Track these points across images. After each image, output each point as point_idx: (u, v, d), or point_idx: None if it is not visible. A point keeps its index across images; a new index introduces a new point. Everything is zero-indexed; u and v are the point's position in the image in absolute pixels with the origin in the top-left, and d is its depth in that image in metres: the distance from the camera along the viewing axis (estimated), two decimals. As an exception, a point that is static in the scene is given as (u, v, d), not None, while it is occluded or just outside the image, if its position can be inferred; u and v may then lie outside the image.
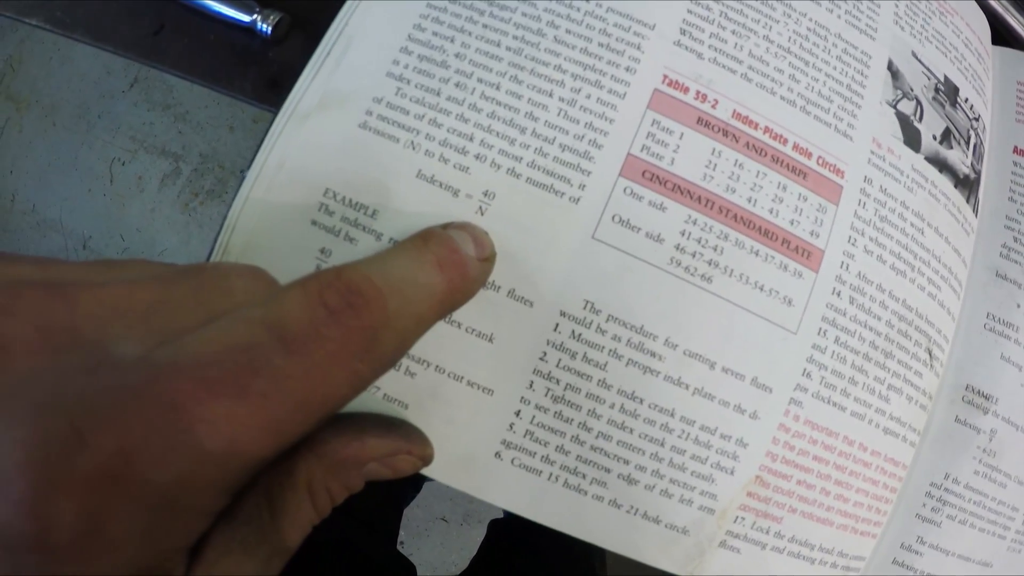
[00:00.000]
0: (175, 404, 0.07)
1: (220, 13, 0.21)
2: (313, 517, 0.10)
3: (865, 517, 0.16)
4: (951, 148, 0.18)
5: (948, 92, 0.19)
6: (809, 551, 0.16)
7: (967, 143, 0.19)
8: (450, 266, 0.11)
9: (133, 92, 0.79)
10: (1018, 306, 0.19)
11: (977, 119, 0.19)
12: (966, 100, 0.19)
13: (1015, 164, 0.20)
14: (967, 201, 0.18)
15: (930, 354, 0.17)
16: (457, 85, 0.15)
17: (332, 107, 0.16)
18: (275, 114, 0.16)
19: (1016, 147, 0.20)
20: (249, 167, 0.16)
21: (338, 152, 0.15)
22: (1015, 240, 0.19)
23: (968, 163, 0.19)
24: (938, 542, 0.18)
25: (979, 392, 0.18)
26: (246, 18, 0.20)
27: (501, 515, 0.40)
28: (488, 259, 0.12)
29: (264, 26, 0.20)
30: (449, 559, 0.69)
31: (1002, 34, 0.23)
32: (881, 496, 0.17)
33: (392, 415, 0.14)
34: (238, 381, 0.08)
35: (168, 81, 0.79)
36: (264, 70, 0.21)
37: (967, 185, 0.18)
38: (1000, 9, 0.22)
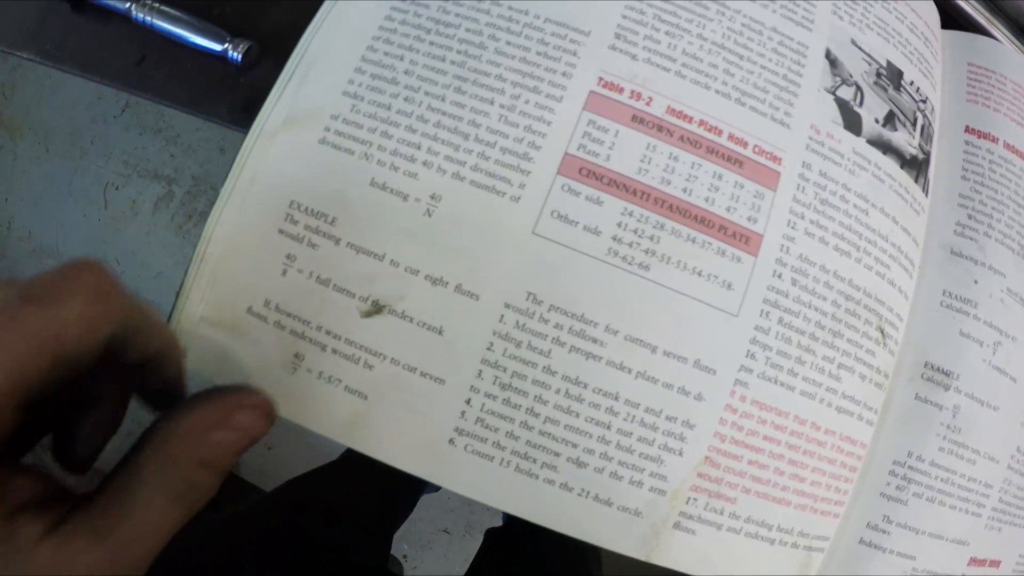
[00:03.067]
0: None
1: (195, 43, 0.23)
2: (169, 511, 0.11)
3: (824, 496, 0.18)
4: (896, 130, 0.20)
5: (891, 76, 0.20)
6: (767, 531, 0.17)
7: (914, 124, 0.20)
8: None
9: (125, 117, 0.83)
10: (975, 282, 0.20)
11: (924, 101, 0.21)
12: (911, 83, 0.21)
13: (967, 143, 0.21)
14: (915, 181, 0.20)
15: (882, 332, 0.18)
16: (406, 99, 0.17)
17: (296, 125, 0.18)
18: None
19: (968, 126, 0.22)
20: (223, 183, 0.18)
21: (301, 166, 0.17)
22: (969, 217, 0.21)
23: (915, 144, 0.20)
24: (906, 521, 0.19)
25: (939, 369, 0.19)
26: (218, 47, 0.23)
27: (499, 523, 0.41)
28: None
29: (235, 54, 0.22)
30: (452, 570, 0.70)
31: (954, 18, 0.24)
32: (840, 475, 0.18)
33: (235, 383, 0.13)
34: None
35: (158, 105, 0.84)
36: (237, 95, 0.23)
37: (915, 166, 0.20)
38: (952, -8, 0.24)
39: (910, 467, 0.19)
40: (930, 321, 0.20)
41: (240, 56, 0.22)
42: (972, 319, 0.20)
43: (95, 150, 0.84)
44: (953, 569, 0.20)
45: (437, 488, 0.55)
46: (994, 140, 0.22)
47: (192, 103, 0.25)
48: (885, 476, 0.19)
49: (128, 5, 0.25)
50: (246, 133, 0.19)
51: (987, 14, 0.24)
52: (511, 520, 0.38)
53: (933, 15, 0.23)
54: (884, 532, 0.19)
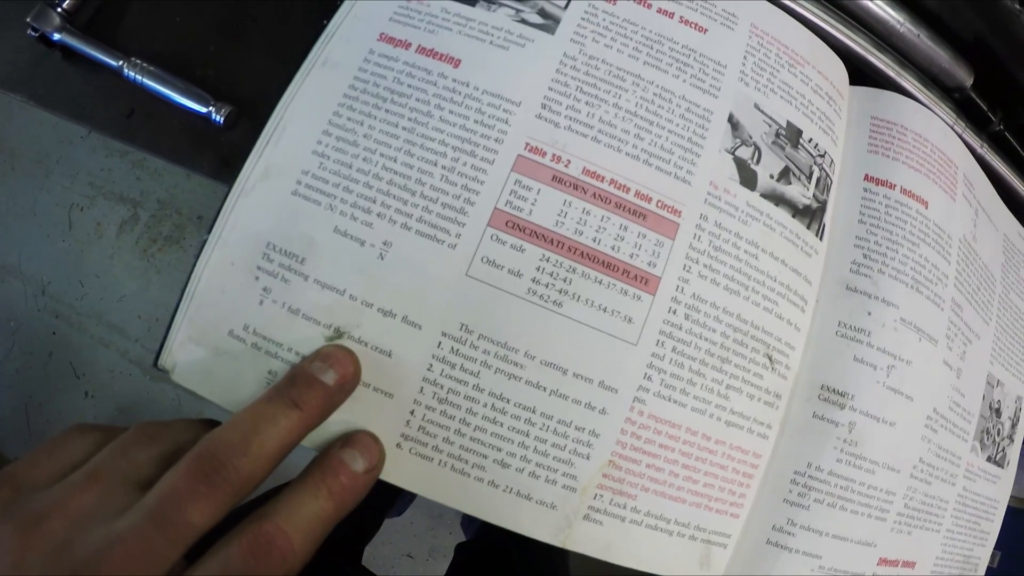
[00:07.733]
0: None
1: (181, 103, 0.31)
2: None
3: (719, 497, 0.24)
4: (790, 184, 0.26)
5: (790, 135, 0.27)
6: (665, 524, 0.23)
7: (809, 177, 0.27)
8: (340, 493, 0.19)
9: (91, 138, 0.92)
10: (869, 314, 0.26)
11: (823, 155, 0.28)
12: (810, 140, 0.27)
13: (865, 190, 0.28)
14: (808, 227, 0.26)
15: (770, 359, 0.24)
16: (364, 159, 0.24)
17: (271, 179, 0.25)
18: (228, 187, 0.26)
19: (867, 175, 0.28)
20: (210, 231, 0.25)
21: (276, 213, 0.24)
22: (864, 256, 0.27)
23: (810, 195, 0.27)
24: (809, 523, 0.25)
25: (834, 390, 0.26)
26: (203, 109, 0.30)
27: (467, 539, 0.47)
28: (374, 468, 0.20)
29: (218, 116, 0.29)
30: (418, 597, 0.76)
31: (867, 73, 0.31)
32: (733, 479, 0.24)
33: None
34: None
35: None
36: (218, 151, 0.30)
37: (808, 214, 0.26)
38: (862, 52, 0.31)
39: (810, 476, 0.25)
40: (826, 348, 0.26)
41: (223, 119, 0.29)
42: (866, 346, 0.26)
43: (60, 170, 0.92)
44: (862, 568, 0.26)
45: (401, 512, 0.61)
46: (891, 186, 0.28)
47: (177, 157, 0.32)
48: (787, 484, 0.25)
49: (120, 63, 0.32)
50: (226, 185, 0.26)
51: (896, 67, 0.31)
52: (481, 534, 0.44)
53: (841, 74, 0.30)
54: (789, 533, 0.25)
